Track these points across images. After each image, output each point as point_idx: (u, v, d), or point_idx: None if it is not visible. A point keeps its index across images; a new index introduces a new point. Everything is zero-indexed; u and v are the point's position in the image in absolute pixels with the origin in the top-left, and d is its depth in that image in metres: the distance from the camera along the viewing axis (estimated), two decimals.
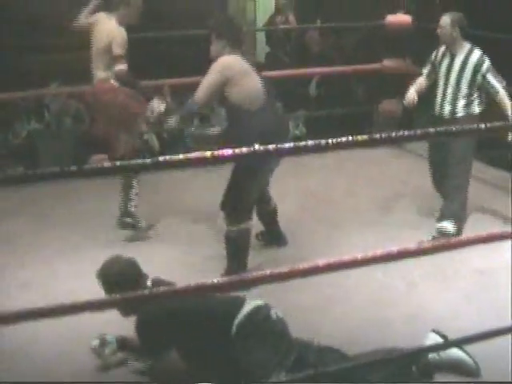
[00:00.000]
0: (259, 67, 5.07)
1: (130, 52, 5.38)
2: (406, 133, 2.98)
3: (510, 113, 5.42)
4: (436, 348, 3.87)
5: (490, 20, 6.16)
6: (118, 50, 5.27)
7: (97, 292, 3.71)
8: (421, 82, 5.79)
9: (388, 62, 7.65)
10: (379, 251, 2.85)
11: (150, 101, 5.31)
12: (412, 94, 5.73)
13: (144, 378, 3.94)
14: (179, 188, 6.52)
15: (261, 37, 9.06)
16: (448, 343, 3.86)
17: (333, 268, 2.86)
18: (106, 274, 3.81)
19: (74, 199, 6.36)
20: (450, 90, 5.55)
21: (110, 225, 5.79)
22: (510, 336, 3.44)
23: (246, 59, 4.85)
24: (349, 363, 3.69)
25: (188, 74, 6.41)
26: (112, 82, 5.36)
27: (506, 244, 3.89)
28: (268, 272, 2.75)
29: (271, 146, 2.66)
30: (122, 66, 5.28)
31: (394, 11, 7.62)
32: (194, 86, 4.86)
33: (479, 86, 5.49)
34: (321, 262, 2.77)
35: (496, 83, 5.44)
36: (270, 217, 5.37)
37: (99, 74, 5.41)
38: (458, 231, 5.42)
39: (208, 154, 2.51)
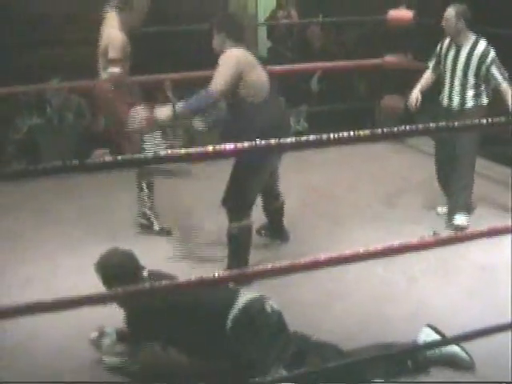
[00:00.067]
0: (263, 62, 5.06)
1: (132, 47, 5.37)
2: (408, 128, 2.98)
3: (510, 106, 5.45)
4: (434, 345, 3.88)
5: (491, 15, 6.14)
6: (112, 53, 5.26)
7: (99, 287, 3.72)
8: (426, 77, 5.85)
9: (389, 58, 7.63)
10: (380, 245, 2.85)
11: (140, 104, 5.33)
12: (415, 94, 5.81)
13: (119, 374, 3.90)
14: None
15: (262, 32, 9.05)
16: (445, 341, 3.86)
17: (334, 262, 2.87)
18: (104, 267, 3.81)
19: (76, 194, 6.36)
20: (457, 82, 5.58)
21: (112, 220, 5.80)
22: (509, 333, 3.44)
23: (250, 52, 4.86)
24: (345, 360, 3.68)
25: (189, 69, 6.42)
26: (107, 84, 5.38)
27: (508, 239, 3.89)
28: (269, 266, 2.75)
29: (273, 141, 2.66)
30: (115, 70, 5.27)
31: (395, 6, 7.61)
32: (195, 81, 4.85)
33: (484, 78, 5.51)
34: (322, 256, 2.77)
35: (499, 75, 5.47)
36: (276, 212, 5.37)
37: (101, 73, 5.43)
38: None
39: (210, 148, 2.51)
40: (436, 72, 5.79)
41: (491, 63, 5.48)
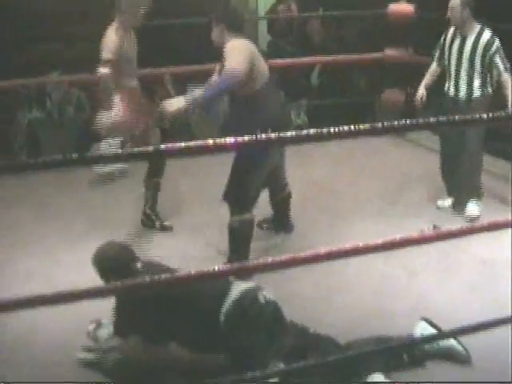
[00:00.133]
0: (263, 55, 5.04)
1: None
2: (408, 122, 2.98)
3: (509, 97, 5.47)
4: (432, 338, 3.88)
5: (490, 10, 6.12)
6: (103, 53, 5.24)
7: (99, 281, 3.72)
8: (432, 71, 5.88)
9: (390, 52, 7.63)
10: (380, 239, 2.85)
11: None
12: (421, 91, 5.88)
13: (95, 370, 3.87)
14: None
15: (262, 26, 9.03)
16: (444, 334, 3.86)
17: (334, 256, 2.87)
18: (99, 260, 3.82)
19: (76, 188, 6.36)
20: (464, 71, 5.60)
21: (113, 214, 5.81)
22: (509, 327, 3.44)
23: (253, 43, 4.84)
24: (342, 354, 3.67)
25: (189, 62, 6.41)
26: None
27: (508, 233, 3.88)
28: (269, 260, 2.75)
29: (273, 135, 2.66)
30: (103, 70, 5.25)
31: (396, 0, 7.59)
32: (195, 75, 4.83)
33: (488, 67, 5.54)
34: (322, 250, 2.77)
35: (501, 65, 5.51)
36: (282, 202, 5.38)
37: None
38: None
39: (210, 142, 2.50)
40: (441, 64, 5.80)
41: (495, 52, 5.51)
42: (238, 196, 4.80)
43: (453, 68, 5.66)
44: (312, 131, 2.63)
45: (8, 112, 7.45)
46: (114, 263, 3.74)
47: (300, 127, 7.59)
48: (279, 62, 7.18)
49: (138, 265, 3.79)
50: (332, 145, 6.09)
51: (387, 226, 5.46)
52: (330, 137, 2.64)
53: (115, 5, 5.31)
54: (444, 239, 3.27)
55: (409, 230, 4.45)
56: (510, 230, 3.26)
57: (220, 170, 5.07)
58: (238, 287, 3.69)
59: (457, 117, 3.40)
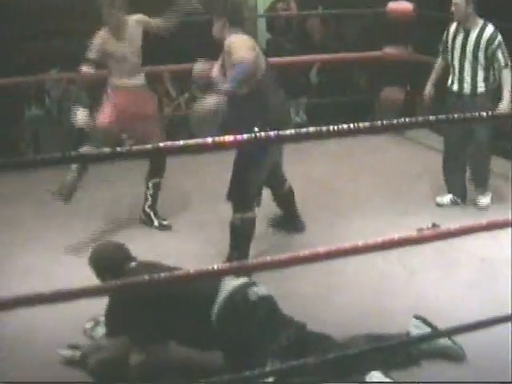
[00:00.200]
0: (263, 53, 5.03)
1: None
2: (407, 120, 2.98)
3: (506, 93, 5.49)
4: (430, 337, 3.88)
5: (490, 9, 6.12)
6: (87, 52, 5.33)
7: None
8: (438, 67, 5.93)
9: (389, 50, 7.62)
10: (380, 238, 2.84)
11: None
12: (428, 88, 5.94)
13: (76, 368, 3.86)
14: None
15: (261, 24, 9.02)
16: (442, 333, 3.85)
17: (333, 255, 2.86)
18: (93, 260, 3.83)
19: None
20: (467, 66, 5.65)
21: (113, 211, 5.81)
22: (509, 326, 3.43)
23: (252, 39, 4.84)
24: (338, 352, 3.65)
25: (188, 60, 6.39)
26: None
27: (508, 231, 3.88)
28: (269, 258, 2.75)
29: (272, 133, 2.65)
30: (83, 68, 5.31)
31: None
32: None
33: (490, 61, 5.58)
34: (321, 248, 2.77)
35: (503, 59, 5.57)
36: (286, 197, 5.37)
37: None
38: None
39: (209, 140, 2.50)
40: (445, 59, 5.85)
41: (497, 47, 5.57)
42: (240, 194, 4.80)
43: (456, 63, 5.70)
44: (311, 129, 2.63)
45: (13, 110, 7.45)
46: (109, 263, 3.75)
47: (299, 125, 7.58)
48: (278, 60, 7.17)
49: (133, 264, 3.78)
50: (331, 143, 6.14)
51: (387, 223, 5.46)
52: (329, 135, 2.64)
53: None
54: (443, 238, 3.26)
55: (408, 228, 4.49)
56: (508, 228, 3.26)
57: (219, 168, 5.07)
58: (228, 285, 3.64)
59: (456, 115, 3.39)
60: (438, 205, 5.90)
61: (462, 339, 3.80)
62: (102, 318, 3.97)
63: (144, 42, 5.47)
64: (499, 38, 5.57)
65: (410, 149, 7.36)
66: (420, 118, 3.01)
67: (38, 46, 7.86)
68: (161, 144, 2.53)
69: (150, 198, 5.63)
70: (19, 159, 2.55)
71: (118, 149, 2.46)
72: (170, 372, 3.80)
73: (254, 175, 4.80)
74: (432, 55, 6.26)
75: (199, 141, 2.51)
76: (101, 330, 3.95)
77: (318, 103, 8.37)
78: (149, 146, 2.57)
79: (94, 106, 5.83)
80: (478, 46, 5.59)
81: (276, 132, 2.65)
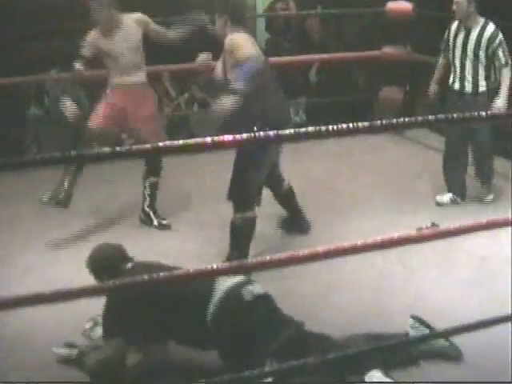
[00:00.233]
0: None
1: None
2: (407, 120, 2.98)
3: (503, 90, 5.54)
4: (429, 338, 3.88)
5: (491, 8, 6.13)
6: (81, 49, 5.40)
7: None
8: (441, 66, 5.97)
9: (388, 49, 7.62)
10: (379, 237, 2.85)
11: None
12: (433, 87, 5.99)
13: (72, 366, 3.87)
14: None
15: (260, 24, 9.02)
16: (442, 333, 3.85)
17: (332, 254, 2.86)
18: (89, 262, 3.84)
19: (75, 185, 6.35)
20: (468, 64, 5.67)
21: (112, 211, 5.81)
22: (509, 326, 3.43)
23: (253, 38, 4.85)
24: (337, 353, 3.64)
25: (187, 60, 6.38)
26: None
27: (508, 231, 3.88)
28: (268, 258, 2.75)
29: (272, 133, 2.65)
30: (76, 65, 5.37)
31: None
32: (193, 73, 4.82)
33: (491, 60, 5.60)
34: (321, 248, 2.77)
35: (503, 58, 5.60)
36: (287, 199, 5.36)
37: None
38: None
39: (208, 139, 2.50)
40: (447, 58, 5.87)
41: (498, 45, 5.59)
42: (241, 194, 4.81)
43: (457, 61, 5.73)
44: (311, 129, 2.63)
45: (14, 110, 7.45)
46: (105, 264, 3.75)
47: (298, 125, 7.58)
48: (277, 59, 7.17)
49: (129, 265, 3.78)
50: (331, 142, 6.15)
51: (386, 222, 5.47)
52: (328, 135, 2.64)
53: None
54: (442, 237, 3.26)
55: (407, 227, 4.49)
56: (508, 227, 3.26)
57: (219, 167, 5.07)
58: (223, 285, 3.60)
59: (455, 115, 3.41)
60: (438, 203, 5.90)
61: (461, 339, 3.78)
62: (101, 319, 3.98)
63: (144, 42, 5.47)
64: (500, 36, 5.60)
65: (410, 148, 7.37)
66: (419, 118, 3.01)
67: (38, 46, 7.86)
68: (160, 144, 2.53)
69: (148, 198, 5.62)
70: (19, 159, 2.55)
71: (118, 148, 2.46)
72: (168, 372, 3.80)
73: (254, 175, 4.80)
74: (431, 55, 6.28)
75: (198, 140, 2.51)
76: (99, 331, 3.95)
77: (317, 103, 8.38)
78: (148, 146, 2.57)
79: (92, 106, 5.84)
80: (479, 45, 5.61)
81: (275, 132, 2.65)
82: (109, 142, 5.27)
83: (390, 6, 7.45)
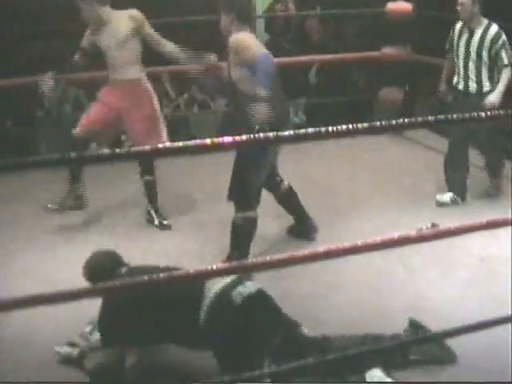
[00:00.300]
0: None
1: None
2: (407, 121, 2.98)
3: (500, 87, 5.60)
4: (429, 339, 3.87)
5: (495, 9, 6.14)
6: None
7: None
8: (448, 66, 6.00)
9: (388, 50, 7.62)
10: (379, 238, 2.85)
11: None
12: (442, 86, 6.04)
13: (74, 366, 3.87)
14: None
15: (260, 24, 9.02)
16: (442, 334, 3.84)
17: (332, 254, 2.86)
18: (87, 269, 3.84)
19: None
20: (472, 65, 5.71)
21: (112, 211, 5.81)
22: (509, 326, 3.43)
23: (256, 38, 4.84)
24: (336, 353, 3.64)
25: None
26: None
27: (508, 231, 3.89)
28: (268, 258, 2.75)
29: (271, 134, 2.66)
30: (76, 57, 5.51)
31: None
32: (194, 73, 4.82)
33: (494, 60, 5.65)
34: (321, 248, 2.77)
35: (506, 59, 5.64)
36: (287, 200, 5.33)
37: None
38: None
39: (208, 141, 2.50)
40: (451, 57, 5.92)
41: (502, 46, 5.63)
42: (241, 194, 4.81)
43: (461, 62, 5.76)
44: (310, 130, 2.63)
45: (13, 110, 7.47)
46: (99, 271, 3.74)
47: (298, 126, 7.58)
48: (277, 60, 7.15)
49: (124, 270, 3.77)
50: (330, 143, 6.14)
51: (386, 222, 5.47)
52: (328, 136, 2.64)
53: None
54: (442, 237, 3.26)
55: (408, 227, 4.49)
56: (508, 227, 3.26)
57: (219, 168, 5.08)
58: (212, 289, 3.55)
59: (455, 115, 3.40)
60: (438, 203, 5.90)
61: (461, 339, 3.77)
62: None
63: (144, 43, 5.46)
64: (503, 37, 5.63)
65: (409, 148, 7.37)
66: (419, 119, 3.01)
67: (38, 46, 7.87)
68: (160, 145, 2.54)
69: (147, 197, 5.62)
70: (19, 160, 2.55)
71: (117, 150, 2.47)
72: (165, 374, 3.80)
73: (254, 175, 4.80)
74: (431, 55, 6.28)
75: (198, 142, 2.51)
76: (98, 335, 3.96)
77: (316, 103, 8.38)
78: (147, 148, 2.58)
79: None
80: (482, 46, 5.65)
81: (275, 133, 2.65)
82: (103, 140, 5.28)
83: (390, 6, 7.45)
